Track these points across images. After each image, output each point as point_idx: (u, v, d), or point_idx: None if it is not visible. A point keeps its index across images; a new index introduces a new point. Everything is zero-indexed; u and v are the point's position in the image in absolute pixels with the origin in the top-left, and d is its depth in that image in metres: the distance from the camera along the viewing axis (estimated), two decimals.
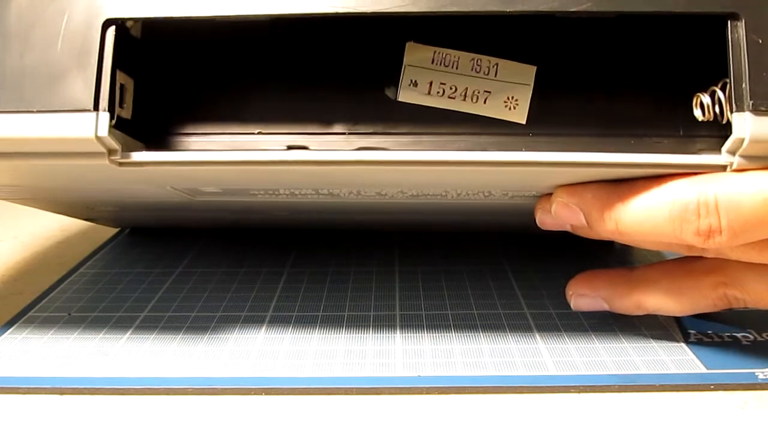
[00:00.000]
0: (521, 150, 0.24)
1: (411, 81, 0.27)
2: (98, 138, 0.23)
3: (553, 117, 0.27)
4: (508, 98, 0.26)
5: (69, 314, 0.33)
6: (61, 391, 0.26)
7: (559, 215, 0.26)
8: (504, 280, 0.36)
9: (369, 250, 0.41)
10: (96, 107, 0.23)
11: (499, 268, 0.38)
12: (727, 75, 0.22)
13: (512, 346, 0.29)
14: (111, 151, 0.23)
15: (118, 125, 0.23)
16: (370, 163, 0.24)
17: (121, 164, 0.24)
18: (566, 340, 0.29)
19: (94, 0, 0.23)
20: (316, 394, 0.26)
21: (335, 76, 0.28)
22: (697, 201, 0.22)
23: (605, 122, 0.27)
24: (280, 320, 0.32)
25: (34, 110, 0.23)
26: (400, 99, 0.27)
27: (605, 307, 0.29)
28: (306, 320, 0.32)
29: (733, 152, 0.22)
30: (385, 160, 0.24)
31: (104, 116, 0.23)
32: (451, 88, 0.27)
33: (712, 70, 0.23)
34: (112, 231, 0.47)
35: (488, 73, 0.26)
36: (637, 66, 0.27)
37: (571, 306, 0.30)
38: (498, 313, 0.32)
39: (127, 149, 0.24)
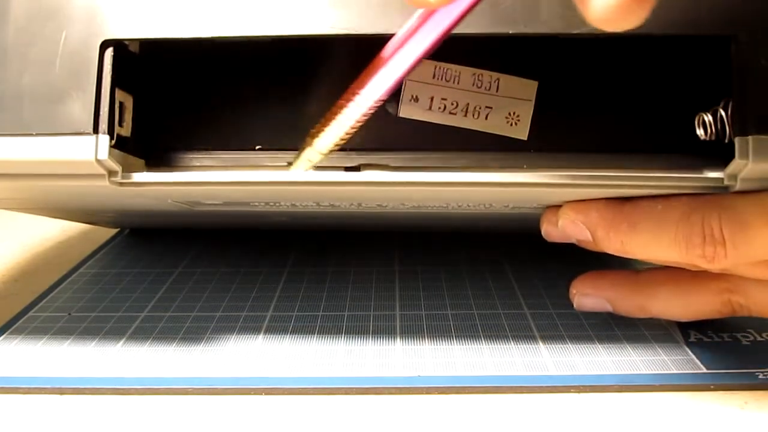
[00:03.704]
0: (522, 167, 0.24)
1: (412, 96, 0.27)
2: (98, 161, 0.22)
3: (555, 133, 0.26)
4: (509, 114, 0.26)
5: (69, 314, 0.33)
6: (61, 391, 0.26)
7: (566, 231, 0.26)
8: (504, 281, 0.36)
9: (369, 250, 0.41)
10: (96, 130, 0.22)
11: (499, 268, 0.38)
12: (728, 94, 0.22)
13: (512, 346, 0.29)
14: (111, 173, 0.23)
15: (118, 144, 0.23)
16: (371, 184, 0.24)
17: (121, 184, 0.23)
18: (566, 340, 0.29)
19: (92, 20, 0.23)
20: (316, 394, 0.26)
21: (336, 91, 0.28)
22: (701, 225, 0.22)
23: (606, 138, 0.27)
24: (280, 320, 0.32)
25: (33, 133, 0.23)
26: (401, 114, 0.27)
27: (608, 308, 0.29)
28: (306, 320, 0.32)
29: (735, 174, 0.22)
30: (385, 182, 0.23)
31: (104, 139, 0.22)
32: (452, 104, 0.26)
33: (715, 87, 0.23)
34: (111, 231, 0.47)
35: (489, 89, 0.26)
36: (640, 82, 0.26)
37: (574, 305, 0.30)
38: (498, 313, 0.32)
39: (128, 169, 0.23)
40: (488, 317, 0.32)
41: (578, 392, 0.25)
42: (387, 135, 0.27)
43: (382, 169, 0.25)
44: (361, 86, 0.21)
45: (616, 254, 0.25)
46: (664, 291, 0.27)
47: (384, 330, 0.30)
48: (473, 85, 0.26)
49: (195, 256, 0.41)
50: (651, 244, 0.24)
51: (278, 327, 0.31)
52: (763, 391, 0.25)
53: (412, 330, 0.30)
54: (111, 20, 0.23)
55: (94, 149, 0.22)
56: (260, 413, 0.25)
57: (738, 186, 0.22)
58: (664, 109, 0.26)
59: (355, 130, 0.22)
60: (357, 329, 0.31)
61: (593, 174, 0.23)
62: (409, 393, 0.26)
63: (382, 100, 0.21)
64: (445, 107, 0.26)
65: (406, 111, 0.26)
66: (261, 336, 0.30)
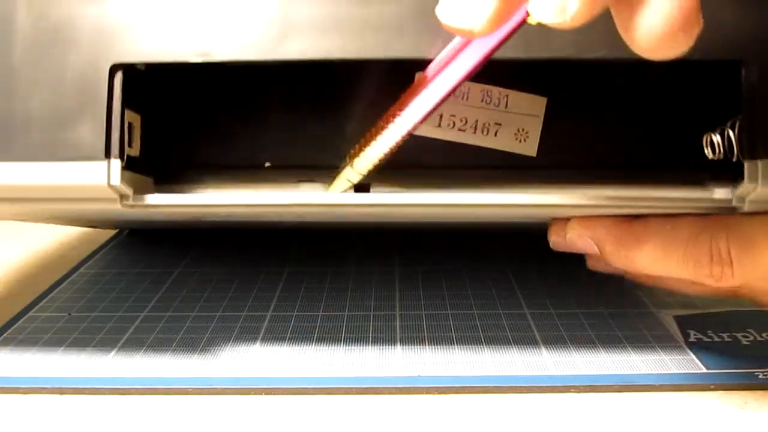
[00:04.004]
0: (532, 185, 0.24)
1: None
2: (111, 186, 0.22)
3: (564, 149, 0.26)
4: (518, 130, 0.26)
5: (69, 314, 0.33)
6: (61, 391, 0.26)
7: (574, 244, 0.26)
8: (504, 281, 0.36)
9: (369, 249, 0.41)
10: (107, 155, 0.22)
11: (500, 268, 0.38)
12: (735, 112, 0.22)
13: (512, 346, 0.29)
14: (123, 196, 0.23)
15: (128, 164, 0.23)
16: (381, 206, 0.24)
17: (133, 207, 0.23)
18: (566, 340, 0.29)
19: (100, 43, 0.22)
20: (316, 394, 0.26)
21: (344, 107, 0.28)
22: (709, 246, 0.23)
23: (615, 154, 0.27)
24: (280, 320, 0.32)
25: (44, 159, 0.22)
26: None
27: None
28: (306, 320, 0.32)
29: (743, 197, 0.22)
30: (394, 203, 0.23)
31: (116, 164, 0.22)
32: (461, 120, 0.26)
33: (723, 106, 0.23)
34: (111, 232, 0.47)
35: (499, 105, 0.26)
36: (648, 98, 0.26)
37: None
38: (498, 313, 0.32)
39: (138, 189, 0.23)
40: (488, 317, 0.32)
41: (578, 392, 0.25)
42: (396, 151, 0.27)
43: (391, 188, 0.25)
44: (402, 108, 0.21)
45: (624, 269, 0.26)
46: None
47: (384, 330, 0.30)
48: (482, 101, 0.26)
49: (195, 257, 0.41)
50: (659, 262, 0.24)
51: (278, 327, 0.31)
52: (763, 391, 0.25)
53: (412, 330, 0.30)
54: (120, 43, 0.22)
55: (106, 175, 0.22)
56: (260, 413, 0.25)
57: (746, 208, 0.22)
58: (672, 124, 0.26)
59: (393, 151, 0.22)
60: (357, 329, 0.31)
61: (603, 195, 0.23)
62: (409, 393, 0.26)
63: (422, 122, 0.21)
64: (454, 124, 0.26)
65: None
66: (261, 336, 0.30)
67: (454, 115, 0.26)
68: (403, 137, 0.21)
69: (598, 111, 0.27)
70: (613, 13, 0.17)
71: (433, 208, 0.24)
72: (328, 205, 0.24)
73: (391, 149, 0.22)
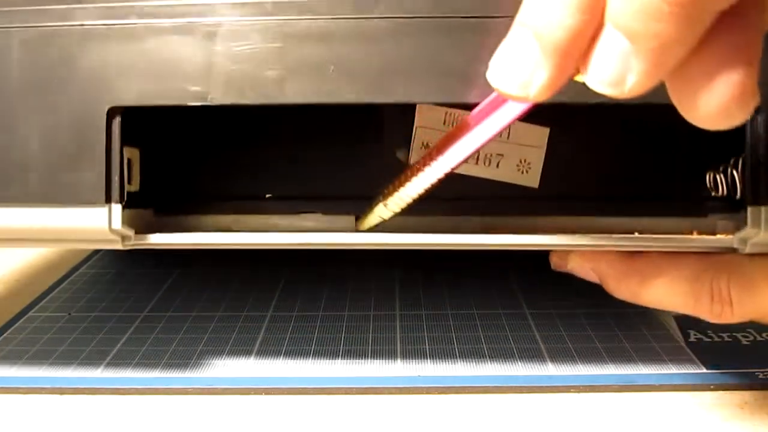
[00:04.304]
0: (534, 215, 0.25)
1: (423, 143, 0.26)
2: (112, 230, 0.22)
3: (566, 180, 0.26)
4: (520, 161, 0.26)
5: (69, 314, 0.33)
6: (61, 391, 0.26)
7: (575, 271, 0.27)
8: (504, 281, 0.36)
9: (370, 250, 0.41)
10: (108, 199, 0.22)
11: (500, 268, 0.38)
12: (739, 148, 0.22)
13: (512, 346, 0.29)
14: (125, 237, 0.23)
15: (127, 201, 0.23)
16: (384, 245, 0.24)
17: (134, 245, 0.23)
18: (566, 340, 0.29)
19: (96, 86, 0.22)
20: (316, 394, 0.26)
21: (346, 138, 0.27)
22: (710, 286, 0.23)
23: (617, 185, 0.27)
24: (280, 320, 0.32)
25: (43, 203, 0.22)
26: (412, 162, 0.26)
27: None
28: (306, 320, 0.32)
29: (746, 239, 0.22)
30: (399, 243, 0.24)
31: (117, 208, 0.22)
32: None
33: (727, 142, 0.23)
34: None
35: (501, 135, 0.25)
36: (650, 131, 0.26)
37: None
38: (498, 313, 0.32)
39: (140, 227, 0.23)
40: (488, 317, 0.32)
41: (578, 392, 0.25)
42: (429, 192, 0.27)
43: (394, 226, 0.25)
44: (441, 152, 0.21)
45: (625, 300, 0.26)
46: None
47: (384, 330, 0.30)
48: None
49: (195, 256, 0.41)
50: (661, 298, 0.25)
51: (278, 327, 0.31)
52: (763, 391, 0.25)
53: (413, 330, 0.30)
54: (117, 85, 0.22)
55: (107, 219, 0.22)
56: (260, 413, 0.25)
57: (748, 250, 0.23)
58: (676, 156, 0.26)
59: (427, 191, 0.22)
60: (357, 329, 0.31)
61: (606, 236, 0.23)
62: (409, 393, 0.26)
63: (460, 165, 0.21)
64: None
65: (417, 158, 0.26)
66: (261, 336, 0.30)
67: None
68: (439, 179, 0.21)
69: (600, 142, 0.27)
70: (669, 86, 0.16)
71: (431, 247, 0.24)
72: (327, 244, 0.24)
73: (426, 190, 0.22)
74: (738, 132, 0.22)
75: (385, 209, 0.23)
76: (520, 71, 0.16)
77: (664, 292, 0.24)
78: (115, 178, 0.22)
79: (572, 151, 0.27)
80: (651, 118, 0.26)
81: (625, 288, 0.25)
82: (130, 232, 0.23)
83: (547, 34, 0.15)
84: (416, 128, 0.27)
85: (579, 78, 0.16)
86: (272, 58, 0.21)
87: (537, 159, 0.26)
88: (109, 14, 0.22)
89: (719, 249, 0.23)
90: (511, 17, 0.20)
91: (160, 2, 0.21)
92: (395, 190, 0.22)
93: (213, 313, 0.33)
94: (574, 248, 0.25)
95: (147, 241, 0.23)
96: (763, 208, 0.22)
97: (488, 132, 0.19)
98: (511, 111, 0.18)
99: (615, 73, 0.15)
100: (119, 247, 0.23)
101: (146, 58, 0.22)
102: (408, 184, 0.22)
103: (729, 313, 0.23)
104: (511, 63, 0.16)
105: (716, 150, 0.24)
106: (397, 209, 0.23)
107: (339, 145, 0.28)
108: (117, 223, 0.22)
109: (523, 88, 0.16)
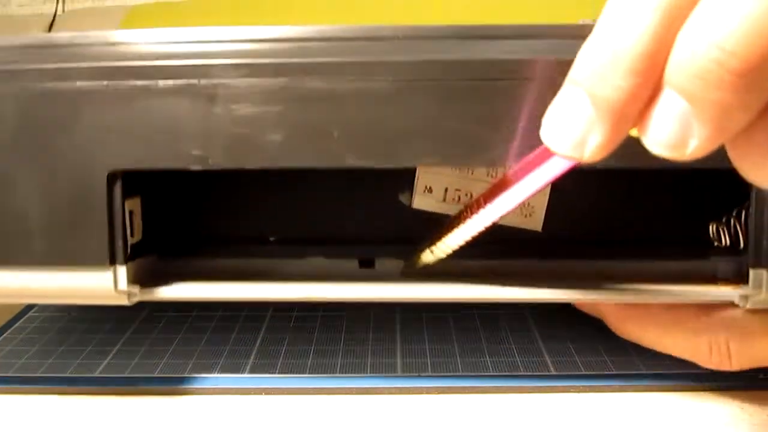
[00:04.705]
0: (536, 259, 0.25)
1: (426, 187, 0.26)
2: (117, 291, 0.22)
3: (569, 223, 0.27)
4: (524, 205, 0.26)
5: (69, 314, 0.33)
6: (61, 391, 0.26)
7: (578, 307, 0.28)
8: None
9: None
10: (113, 261, 0.22)
11: None
12: (742, 201, 0.23)
13: (512, 346, 0.29)
14: (131, 295, 0.23)
15: (131, 252, 0.23)
16: (390, 301, 0.24)
17: (140, 300, 0.23)
18: (566, 340, 0.29)
19: (94, 151, 0.21)
20: (315, 394, 0.26)
21: (350, 181, 0.27)
22: (709, 341, 0.24)
23: (620, 229, 0.27)
24: (280, 320, 0.32)
25: (47, 266, 0.22)
26: (414, 206, 0.26)
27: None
28: (306, 320, 0.32)
29: (747, 297, 0.23)
30: (405, 298, 0.24)
31: (122, 269, 0.22)
32: (466, 195, 0.26)
33: (730, 191, 0.24)
34: None
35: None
36: (653, 176, 0.27)
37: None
38: (498, 314, 0.32)
39: (145, 279, 0.23)
40: (488, 317, 0.32)
41: (578, 392, 0.25)
42: (401, 226, 0.27)
43: (397, 261, 0.25)
44: (488, 202, 0.21)
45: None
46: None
47: (384, 330, 0.30)
48: (487, 174, 0.26)
49: None
50: (661, 345, 0.26)
51: (278, 327, 0.31)
52: (763, 391, 0.25)
53: (413, 330, 0.30)
54: (116, 151, 0.21)
55: (112, 281, 0.22)
56: (260, 413, 0.25)
57: (748, 306, 0.23)
58: (680, 204, 0.27)
59: (473, 239, 0.22)
60: (357, 329, 0.31)
61: (607, 290, 0.24)
62: (409, 393, 0.26)
63: (507, 214, 0.21)
64: (459, 198, 0.26)
65: (420, 202, 0.26)
66: (261, 335, 0.30)
67: (459, 190, 0.26)
68: (486, 227, 0.21)
69: (603, 185, 0.27)
70: (730, 148, 0.15)
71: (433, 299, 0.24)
72: (333, 300, 0.24)
73: (473, 237, 0.22)
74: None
75: (431, 255, 0.24)
76: (573, 131, 0.15)
77: (662, 340, 0.25)
78: (119, 242, 0.22)
79: (573, 194, 0.27)
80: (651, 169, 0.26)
81: (624, 331, 0.27)
82: (136, 289, 0.23)
83: (601, 95, 0.15)
84: (419, 171, 0.27)
85: (635, 133, 0.15)
86: (274, 121, 0.21)
87: (540, 203, 0.26)
88: (106, 74, 0.21)
89: (722, 303, 0.24)
90: (517, 79, 0.20)
91: (158, 62, 0.21)
92: (443, 235, 0.23)
93: (213, 313, 0.33)
94: (575, 301, 0.26)
95: (153, 296, 0.23)
96: (765, 271, 0.22)
97: (535, 184, 0.19)
98: (561, 164, 0.18)
99: (675, 135, 0.14)
100: (125, 303, 0.23)
101: (145, 121, 0.21)
102: (454, 232, 0.22)
103: (728, 363, 0.24)
104: (564, 122, 0.16)
105: (719, 194, 0.25)
106: (443, 255, 0.23)
107: (344, 187, 0.28)
108: (123, 284, 0.22)
109: (577, 149, 0.16)
